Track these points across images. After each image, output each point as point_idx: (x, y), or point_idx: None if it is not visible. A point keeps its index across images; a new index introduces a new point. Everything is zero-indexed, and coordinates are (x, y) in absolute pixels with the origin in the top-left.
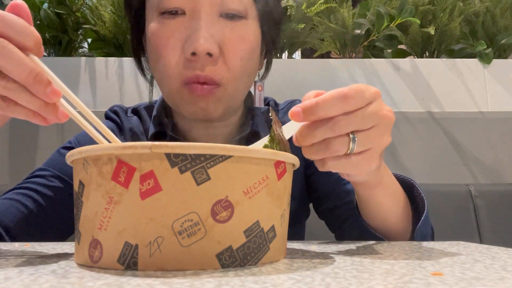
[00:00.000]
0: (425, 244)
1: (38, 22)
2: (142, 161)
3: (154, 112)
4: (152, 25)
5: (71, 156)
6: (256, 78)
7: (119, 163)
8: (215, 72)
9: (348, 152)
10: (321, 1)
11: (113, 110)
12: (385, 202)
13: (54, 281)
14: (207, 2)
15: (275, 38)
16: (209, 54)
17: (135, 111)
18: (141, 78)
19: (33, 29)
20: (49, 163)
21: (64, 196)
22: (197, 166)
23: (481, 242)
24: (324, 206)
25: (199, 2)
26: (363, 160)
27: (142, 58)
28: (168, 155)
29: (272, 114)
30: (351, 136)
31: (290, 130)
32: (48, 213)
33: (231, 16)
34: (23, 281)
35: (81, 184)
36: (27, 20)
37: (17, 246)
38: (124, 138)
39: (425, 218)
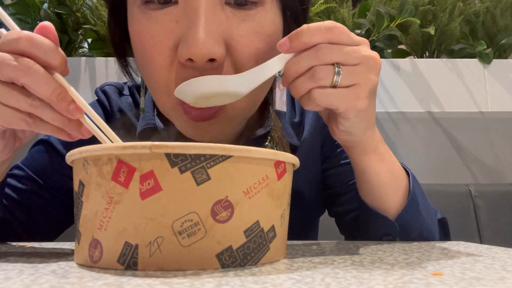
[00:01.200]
0: (425, 244)
1: (38, 22)
2: (142, 161)
3: (144, 105)
4: (134, 17)
5: (71, 156)
6: (277, 74)
7: (119, 163)
8: None
9: (333, 84)
10: (321, 1)
11: (103, 90)
12: (381, 174)
13: (54, 281)
14: None
15: (302, 24)
16: (212, 59)
17: (131, 92)
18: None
19: (59, 49)
20: (26, 161)
21: (34, 200)
22: (197, 166)
23: (481, 242)
24: (338, 208)
25: None
26: (350, 94)
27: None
28: (168, 155)
29: (272, 114)
30: (336, 69)
31: (278, 64)
32: (18, 217)
33: (242, 4)
34: (23, 281)
35: (81, 184)
36: (53, 41)
37: (17, 246)
38: (112, 122)
39: (411, 208)
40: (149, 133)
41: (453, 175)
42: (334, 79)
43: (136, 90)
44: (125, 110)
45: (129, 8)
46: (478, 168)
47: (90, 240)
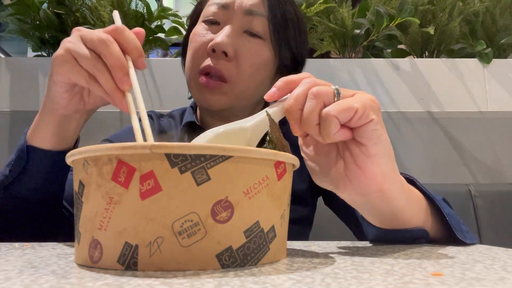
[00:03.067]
0: (425, 244)
1: (38, 22)
2: (142, 162)
3: (191, 104)
4: (197, 28)
5: (71, 156)
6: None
7: (119, 163)
8: (225, 67)
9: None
10: (321, 1)
11: (148, 114)
12: (405, 203)
13: (54, 281)
14: (238, 20)
15: (288, 65)
16: (225, 54)
17: (170, 115)
18: (141, 79)
19: (137, 41)
20: None
21: None
22: (197, 166)
23: (481, 242)
24: (336, 203)
25: (232, 18)
26: (358, 94)
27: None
28: (168, 155)
29: (268, 117)
30: (334, 90)
31: (276, 113)
32: None
33: (251, 35)
34: (23, 281)
35: (81, 184)
36: (139, 38)
37: (17, 246)
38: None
39: (451, 215)
40: (189, 128)
41: (453, 175)
42: (336, 98)
43: (175, 113)
44: (164, 127)
45: (196, 24)
46: (478, 168)
47: (90, 241)
